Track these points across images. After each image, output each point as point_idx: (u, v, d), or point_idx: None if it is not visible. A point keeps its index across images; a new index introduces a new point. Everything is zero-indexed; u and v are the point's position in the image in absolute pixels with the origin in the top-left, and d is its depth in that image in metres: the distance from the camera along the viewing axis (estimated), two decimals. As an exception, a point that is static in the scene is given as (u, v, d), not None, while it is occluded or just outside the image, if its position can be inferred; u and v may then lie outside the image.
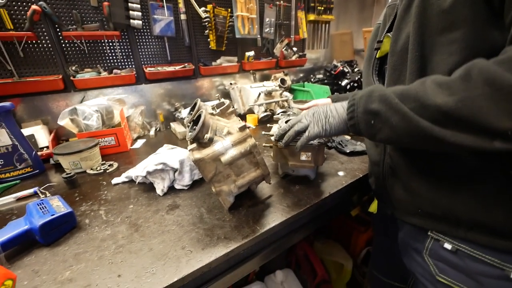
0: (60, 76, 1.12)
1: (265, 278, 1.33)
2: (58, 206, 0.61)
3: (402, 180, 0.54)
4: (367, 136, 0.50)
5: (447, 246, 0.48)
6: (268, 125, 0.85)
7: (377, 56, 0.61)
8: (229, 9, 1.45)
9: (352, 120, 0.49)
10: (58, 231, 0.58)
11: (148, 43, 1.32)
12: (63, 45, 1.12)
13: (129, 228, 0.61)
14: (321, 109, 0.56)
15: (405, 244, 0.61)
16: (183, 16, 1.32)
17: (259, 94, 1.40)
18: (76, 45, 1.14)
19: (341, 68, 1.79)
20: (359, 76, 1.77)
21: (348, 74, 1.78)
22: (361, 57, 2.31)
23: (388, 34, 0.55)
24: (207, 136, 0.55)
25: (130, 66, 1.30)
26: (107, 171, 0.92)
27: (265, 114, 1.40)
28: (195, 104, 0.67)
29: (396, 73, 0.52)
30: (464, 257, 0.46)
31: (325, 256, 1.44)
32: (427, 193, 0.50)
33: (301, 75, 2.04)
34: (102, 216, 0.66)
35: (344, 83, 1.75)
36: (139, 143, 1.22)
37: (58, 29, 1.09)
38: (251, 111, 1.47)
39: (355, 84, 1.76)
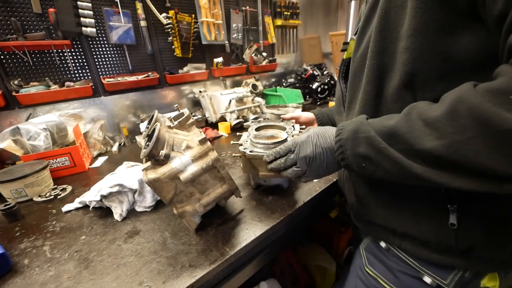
0: (0, 92, 0.98)
1: (249, 292, 1.27)
2: (-14, 248, 0.51)
3: (354, 187, 0.56)
4: (364, 175, 0.49)
5: (382, 244, 0.54)
6: (237, 133, 0.81)
7: (344, 58, 0.58)
8: (193, 15, 1.40)
9: (344, 161, 0.45)
10: (-16, 280, 0.48)
11: (105, 52, 1.22)
12: (2, 57, 0.99)
13: (77, 265, 0.52)
14: (318, 156, 0.48)
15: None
16: (143, 23, 1.24)
17: (230, 101, 1.36)
18: (18, 56, 1.02)
19: (311, 72, 1.81)
20: (328, 79, 1.81)
21: (318, 77, 1.81)
22: (330, 60, 2.38)
23: (353, 37, 0.52)
24: (163, 152, 0.49)
25: (86, 77, 1.19)
26: (59, 196, 0.81)
27: (238, 121, 1.35)
28: (153, 116, 0.61)
29: (356, 80, 0.49)
30: (393, 256, 0.52)
31: (309, 261, 1.42)
32: (369, 203, 0.52)
33: (273, 80, 2.03)
34: (46, 253, 0.57)
35: (315, 86, 1.78)
36: (100, 161, 1.11)
37: (-7, 39, 0.96)
38: (223, 118, 1.42)
39: (326, 87, 1.79)
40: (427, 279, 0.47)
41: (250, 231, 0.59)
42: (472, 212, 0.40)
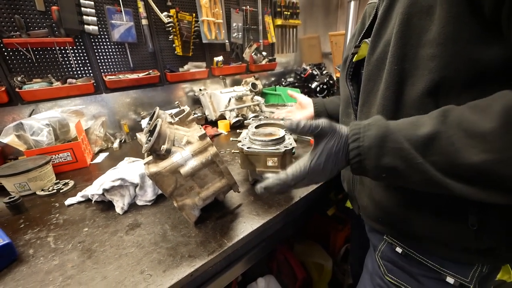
0: (3, 88, 1.00)
1: (246, 287, 1.29)
2: (-8, 238, 0.53)
3: (368, 190, 0.55)
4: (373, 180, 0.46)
5: (398, 250, 0.52)
6: (238, 130, 0.83)
7: (353, 60, 0.57)
8: (194, 14, 1.41)
9: (358, 170, 0.41)
10: (-9, 268, 0.50)
11: (107, 50, 1.24)
12: (5, 53, 1.01)
13: (81, 255, 0.55)
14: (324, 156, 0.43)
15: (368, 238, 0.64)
16: (144, 21, 1.26)
17: (229, 99, 1.38)
18: (21, 53, 1.03)
19: (310, 71, 1.83)
20: (327, 78, 1.82)
21: (317, 77, 1.83)
22: (329, 60, 2.40)
23: (366, 40, 0.50)
24: (164, 147, 0.51)
25: (88, 74, 1.21)
26: (61, 191, 0.83)
27: (237, 119, 1.37)
28: (154, 113, 0.63)
29: (370, 83, 0.48)
30: (411, 261, 0.51)
31: (306, 258, 1.44)
32: (386, 205, 0.51)
33: (273, 79, 2.05)
34: (50, 243, 0.59)
35: (314, 85, 1.80)
36: (101, 157, 1.12)
37: (-3, 36, 0.98)
38: (222, 117, 1.44)
39: (324, 86, 1.81)
40: (450, 280, 0.46)
41: (247, 224, 0.61)
42: (492, 213, 0.40)
